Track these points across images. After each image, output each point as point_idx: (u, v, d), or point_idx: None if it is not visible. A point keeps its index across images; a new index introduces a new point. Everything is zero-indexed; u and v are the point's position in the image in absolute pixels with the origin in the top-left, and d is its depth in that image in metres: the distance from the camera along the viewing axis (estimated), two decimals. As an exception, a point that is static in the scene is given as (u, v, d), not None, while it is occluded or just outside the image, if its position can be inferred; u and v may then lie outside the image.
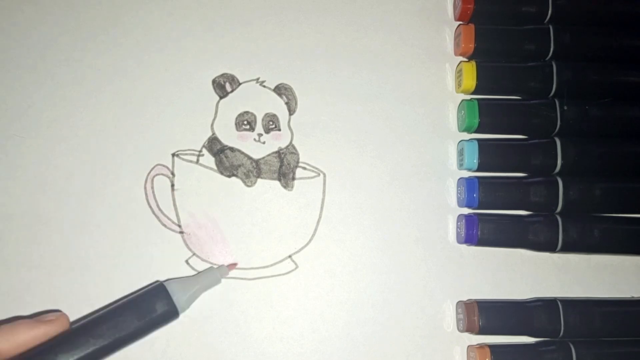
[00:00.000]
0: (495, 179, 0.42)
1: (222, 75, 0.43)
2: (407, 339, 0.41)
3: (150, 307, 0.35)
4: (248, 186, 0.42)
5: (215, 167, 0.42)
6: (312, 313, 0.41)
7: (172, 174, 0.42)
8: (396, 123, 0.44)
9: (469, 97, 0.44)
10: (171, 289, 0.35)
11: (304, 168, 0.43)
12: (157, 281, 0.38)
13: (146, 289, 0.36)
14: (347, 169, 0.43)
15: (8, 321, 0.32)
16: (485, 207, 0.42)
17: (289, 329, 0.40)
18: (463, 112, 0.43)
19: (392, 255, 0.42)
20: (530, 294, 0.42)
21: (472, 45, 0.43)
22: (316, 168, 0.43)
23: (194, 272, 0.40)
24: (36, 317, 0.33)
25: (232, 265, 0.40)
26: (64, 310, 0.35)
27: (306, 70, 0.44)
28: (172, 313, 0.35)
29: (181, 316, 0.40)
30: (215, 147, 0.42)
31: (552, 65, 0.42)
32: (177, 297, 0.35)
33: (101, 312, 0.35)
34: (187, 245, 0.41)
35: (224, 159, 0.42)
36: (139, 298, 0.35)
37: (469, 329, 0.40)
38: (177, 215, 0.41)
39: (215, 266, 0.40)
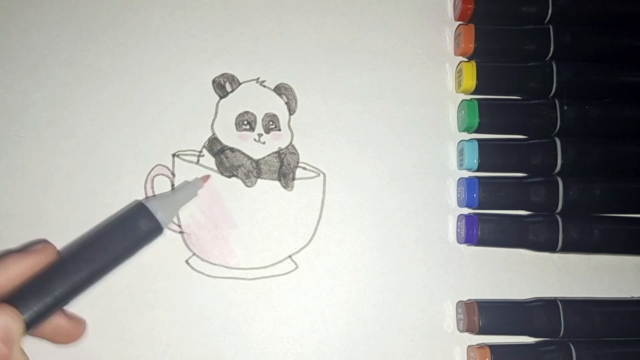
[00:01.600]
0: (495, 179, 0.42)
1: (222, 75, 0.43)
2: (407, 339, 0.41)
3: (135, 226, 0.35)
4: (248, 186, 0.42)
5: (215, 168, 0.42)
6: (312, 313, 0.41)
7: (173, 174, 0.42)
8: (396, 123, 0.44)
9: (469, 97, 0.44)
10: (151, 206, 0.36)
11: (304, 168, 0.43)
12: (135, 200, 0.38)
13: (127, 209, 0.36)
14: (347, 169, 0.43)
15: None
16: (485, 207, 0.42)
17: (289, 329, 0.40)
18: (463, 112, 0.43)
19: (392, 255, 0.42)
20: (530, 294, 0.42)
21: (472, 45, 0.43)
22: (316, 168, 0.43)
23: (194, 272, 0.41)
24: (23, 249, 0.34)
25: (206, 177, 0.41)
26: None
27: (306, 70, 0.44)
28: (156, 229, 0.36)
29: (181, 316, 0.40)
30: (215, 147, 0.42)
31: (552, 65, 0.43)
32: (159, 214, 0.36)
33: (87, 237, 0.35)
34: (187, 245, 0.41)
35: (224, 159, 0.42)
36: (121, 219, 0.36)
37: (469, 329, 0.40)
38: (177, 215, 0.41)
39: (189, 180, 0.41)
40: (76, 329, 0.35)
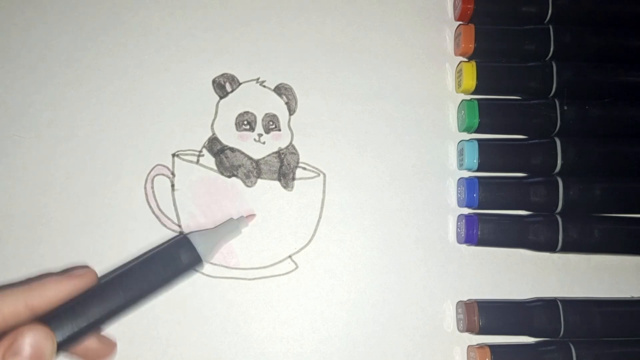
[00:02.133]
0: (495, 179, 0.42)
1: (222, 75, 0.43)
2: (407, 339, 0.41)
3: (176, 258, 0.35)
4: (248, 186, 0.42)
5: (215, 168, 0.42)
6: (312, 313, 0.41)
7: (172, 174, 0.42)
8: (396, 123, 0.44)
9: (469, 97, 0.44)
10: (194, 240, 0.36)
11: (304, 168, 0.43)
12: (180, 233, 0.39)
13: (170, 241, 0.37)
14: (347, 169, 0.43)
15: (37, 277, 0.33)
16: (485, 207, 0.42)
17: (289, 329, 0.40)
18: (463, 112, 0.43)
19: (392, 255, 0.42)
20: (530, 294, 0.42)
21: (472, 45, 0.43)
22: (316, 168, 0.43)
23: (194, 272, 0.40)
24: (64, 272, 0.34)
25: (251, 217, 0.41)
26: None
27: (306, 70, 0.44)
28: (196, 261, 0.36)
29: (181, 316, 0.40)
30: (215, 147, 0.42)
31: (552, 65, 0.43)
32: (200, 248, 0.36)
33: (128, 266, 0.35)
34: (187, 245, 0.41)
35: (224, 159, 0.42)
36: (164, 250, 0.36)
37: (469, 329, 0.40)
38: (177, 215, 0.41)
39: (234, 218, 0.41)
40: (105, 351, 0.35)
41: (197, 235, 0.36)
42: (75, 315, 0.32)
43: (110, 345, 0.36)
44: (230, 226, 0.39)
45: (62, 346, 0.31)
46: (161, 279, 0.35)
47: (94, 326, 0.32)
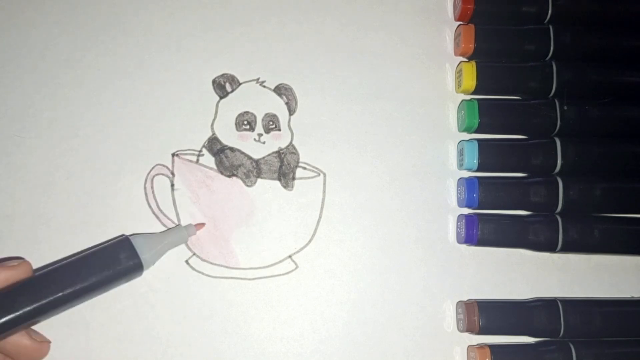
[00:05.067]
0: (495, 179, 0.42)
1: (222, 75, 0.43)
2: (407, 339, 0.41)
3: (115, 259, 0.34)
4: (248, 186, 0.42)
5: (215, 167, 0.42)
6: (312, 313, 0.41)
7: (172, 174, 0.42)
8: (396, 123, 0.44)
9: (469, 97, 0.44)
10: (136, 243, 0.35)
11: (304, 168, 0.43)
12: (122, 235, 0.38)
13: (111, 241, 0.36)
14: (347, 169, 0.43)
15: None
16: (485, 207, 0.42)
17: (289, 329, 0.40)
18: (463, 112, 0.43)
19: (392, 255, 0.42)
20: (530, 294, 0.42)
21: (472, 45, 0.43)
22: (316, 168, 0.43)
23: (194, 272, 0.41)
24: None
25: (200, 225, 0.40)
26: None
27: (306, 70, 0.44)
28: (136, 267, 0.35)
29: (181, 316, 0.40)
30: (215, 147, 0.42)
31: (552, 65, 0.43)
32: (142, 252, 0.35)
33: (65, 261, 0.34)
34: (187, 245, 0.41)
35: (224, 159, 0.42)
36: (103, 249, 0.35)
37: (469, 329, 0.40)
38: (177, 215, 0.41)
39: (182, 225, 0.40)
40: (38, 351, 0.35)
41: (140, 238, 0.36)
42: (3, 306, 0.31)
43: (43, 345, 0.35)
44: (177, 233, 0.38)
45: None
46: (97, 280, 0.33)
47: (24, 320, 0.31)
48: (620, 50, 0.44)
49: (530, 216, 0.42)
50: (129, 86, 0.43)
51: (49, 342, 0.35)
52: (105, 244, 0.36)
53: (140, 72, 0.43)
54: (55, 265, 0.34)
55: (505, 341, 0.40)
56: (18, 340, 0.33)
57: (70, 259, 0.35)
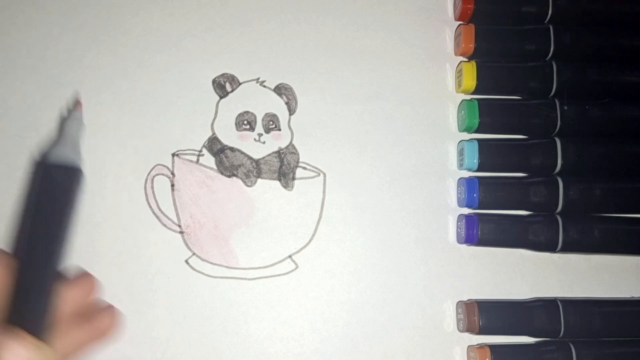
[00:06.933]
0: (495, 179, 0.42)
1: (222, 75, 0.43)
2: (407, 339, 0.41)
3: (60, 186, 0.33)
4: (248, 186, 0.42)
5: (215, 167, 0.42)
6: (312, 313, 0.41)
7: (172, 174, 0.42)
8: (396, 123, 0.44)
9: (469, 97, 0.44)
10: (57, 158, 0.33)
11: (304, 168, 0.43)
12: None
13: (37, 177, 0.34)
14: (347, 169, 0.43)
15: None
16: (485, 207, 0.42)
17: (289, 329, 0.40)
18: (463, 112, 0.43)
19: (392, 255, 0.42)
20: (530, 294, 0.42)
21: (472, 45, 0.43)
22: (316, 168, 0.43)
23: (194, 272, 0.41)
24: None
25: (78, 104, 0.39)
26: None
27: (306, 70, 0.44)
28: (77, 172, 0.33)
29: (181, 316, 0.40)
30: (215, 147, 0.42)
31: (552, 65, 0.42)
32: (70, 159, 0.33)
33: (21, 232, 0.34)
34: (187, 245, 0.41)
35: (224, 159, 0.42)
36: (38, 189, 0.33)
37: (469, 329, 0.40)
38: (177, 215, 0.41)
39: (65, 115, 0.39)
40: (107, 322, 0.35)
41: (55, 152, 0.33)
42: (30, 302, 0.31)
43: (112, 311, 0.36)
44: (72, 122, 0.36)
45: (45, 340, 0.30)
46: (61, 210, 0.33)
47: (49, 297, 0.31)
48: (620, 50, 0.44)
49: (530, 216, 0.42)
50: (129, 86, 0.43)
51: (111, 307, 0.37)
52: (38, 185, 0.33)
53: (140, 72, 0.43)
54: (23, 242, 0.33)
55: (505, 341, 0.40)
56: (78, 335, 0.34)
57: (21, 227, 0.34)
